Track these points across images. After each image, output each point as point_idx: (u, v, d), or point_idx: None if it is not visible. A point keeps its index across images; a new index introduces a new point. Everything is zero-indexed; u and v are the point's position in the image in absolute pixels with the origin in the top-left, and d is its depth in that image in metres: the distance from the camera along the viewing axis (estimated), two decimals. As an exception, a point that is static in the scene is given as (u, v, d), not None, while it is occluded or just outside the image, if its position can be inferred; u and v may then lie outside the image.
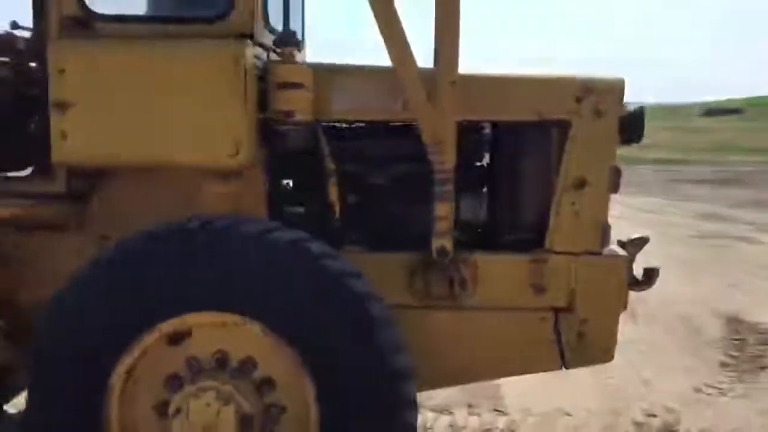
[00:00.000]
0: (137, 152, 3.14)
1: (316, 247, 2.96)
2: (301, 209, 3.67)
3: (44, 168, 3.34)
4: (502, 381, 5.38)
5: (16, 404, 4.60)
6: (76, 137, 3.13)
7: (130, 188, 3.46)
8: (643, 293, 3.60)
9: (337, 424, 2.90)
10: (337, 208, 3.53)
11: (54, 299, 2.95)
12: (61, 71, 3.10)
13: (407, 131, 3.49)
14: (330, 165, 3.49)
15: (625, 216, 12.07)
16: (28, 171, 3.66)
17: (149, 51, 3.11)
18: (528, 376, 4.78)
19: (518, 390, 5.31)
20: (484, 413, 5.07)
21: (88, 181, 3.45)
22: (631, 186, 17.06)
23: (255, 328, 2.92)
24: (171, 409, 2.93)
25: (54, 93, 3.12)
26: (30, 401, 2.99)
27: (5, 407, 4.54)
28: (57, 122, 3.13)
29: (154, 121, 3.11)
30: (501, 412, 5.12)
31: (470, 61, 3.38)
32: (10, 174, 3.56)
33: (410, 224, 3.56)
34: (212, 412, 2.88)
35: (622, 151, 3.48)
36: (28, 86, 3.64)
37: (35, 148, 3.41)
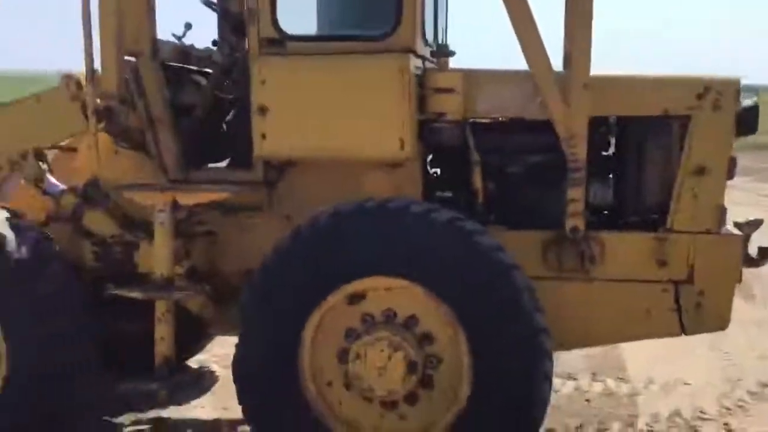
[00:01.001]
0: (323, 148, 3.85)
1: (470, 224, 3.58)
2: (449, 194, 4.29)
3: (245, 161, 4.09)
4: (625, 353, 5.88)
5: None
6: (274, 136, 3.86)
7: (310, 177, 4.17)
8: (762, 276, 3.99)
9: (486, 373, 3.51)
10: (480, 194, 4.12)
11: (260, 266, 3.69)
12: (263, 82, 3.84)
13: (541, 127, 4.04)
14: (475, 157, 4.09)
15: (746, 201, 12.09)
16: (224, 162, 4.45)
17: (332, 65, 3.80)
18: (650, 349, 5.29)
19: (640, 361, 5.77)
20: (608, 380, 5.55)
21: (278, 171, 4.19)
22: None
23: (419, 291, 3.57)
24: (351, 355, 3.62)
25: (256, 100, 3.86)
26: (240, 350, 3.74)
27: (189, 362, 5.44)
28: (258, 124, 3.87)
29: (336, 122, 3.81)
30: (623, 380, 5.59)
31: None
32: (212, 165, 4.36)
33: (543, 206, 4.12)
34: (385, 356, 3.55)
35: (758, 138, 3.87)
36: (226, 93, 4.43)
37: (236, 145, 4.19)
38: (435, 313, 3.61)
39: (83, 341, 3.93)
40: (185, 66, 4.58)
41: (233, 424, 4.95)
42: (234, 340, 3.76)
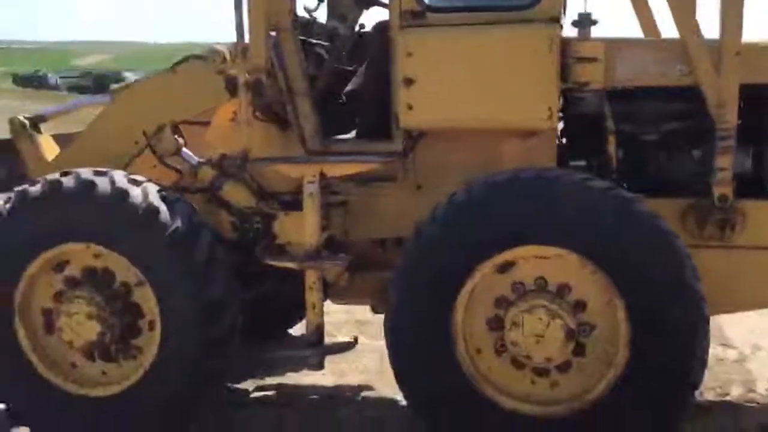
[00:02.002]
0: (470, 118, 3.90)
1: (626, 192, 3.61)
2: (581, 163, 4.31)
3: (371, 131, 4.14)
4: (731, 323, 5.89)
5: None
6: (420, 107, 3.91)
7: (442, 146, 4.21)
8: None
9: (646, 339, 3.56)
10: (614, 161, 4.14)
11: (415, 234, 3.75)
12: (409, 54, 3.87)
13: (678, 94, 4.04)
14: (610, 125, 4.10)
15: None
16: (351, 133, 4.49)
17: (480, 36, 3.83)
18: (756, 319, 5.32)
19: (742, 330, 5.80)
20: (716, 346, 5.58)
21: (412, 142, 4.23)
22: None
23: (573, 258, 3.62)
24: (507, 323, 3.68)
25: (402, 72, 3.90)
26: (393, 316, 3.82)
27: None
28: (404, 96, 3.92)
29: (483, 93, 3.84)
30: (729, 347, 5.62)
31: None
32: (342, 137, 4.40)
33: (677, 174, 4.14)
34: (543, 325, 3.61)
35: None
36: (347, 65, 4.46)
37: (363, 116, 4.24)
38: (589, 281, 3.65)
39: (234, 308, 4.02)
40: (307, 39, 4.62)
41: (354, 389, 5.09)
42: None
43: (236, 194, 4.40)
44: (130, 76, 38.78)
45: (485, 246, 3.68)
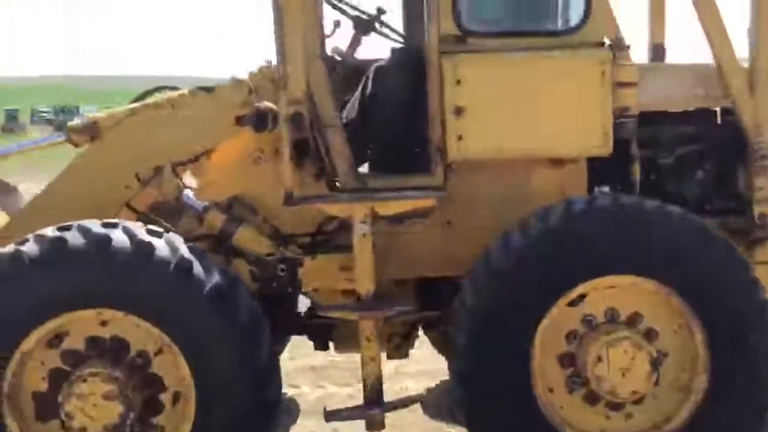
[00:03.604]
0: (523, 147, 3.72)
1: (699, 218, 3.59)
2: (605, 188, 4.26)
3: (425, 165, 3.85)
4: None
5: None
6: (471, 138, 3.67)
7: (472, 179, 3.99)
8: None
9: (727, 364, 3.53)
10: (637, 186, 4.13)
11: (485, 265, 3.51)
12: (458, 82, 3.63)
13: (702, 116, 4.11)
14: (635, 149, 4.09)
15: None
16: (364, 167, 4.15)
17: (531, 62, 3.67)
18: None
19: None
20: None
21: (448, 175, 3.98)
22: None
23: (649, 286, 3.53)
24: (591, 358, 3.51)
25: (451, 100, 3.65)
26: (464, 360, 3.53)
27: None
28: (454, 125, 3.66)
29: (536, 120, 3.69)
30: None
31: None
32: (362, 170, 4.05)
33: (703, 195, 4.19)
34: (629, 357, 3.48)
35: None
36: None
37: (396, 148, 3.95)
38: (659, 307, 3.59)
39: (275, 363, 3.57)
40: None
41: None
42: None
43: (253, 240, 3.92)
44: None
45: (565, 279, 3.52)
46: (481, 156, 3.75)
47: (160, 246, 3.39)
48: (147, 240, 3.39)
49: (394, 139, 4.08)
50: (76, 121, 4.24)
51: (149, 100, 4.15)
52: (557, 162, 3.93)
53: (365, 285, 3.62)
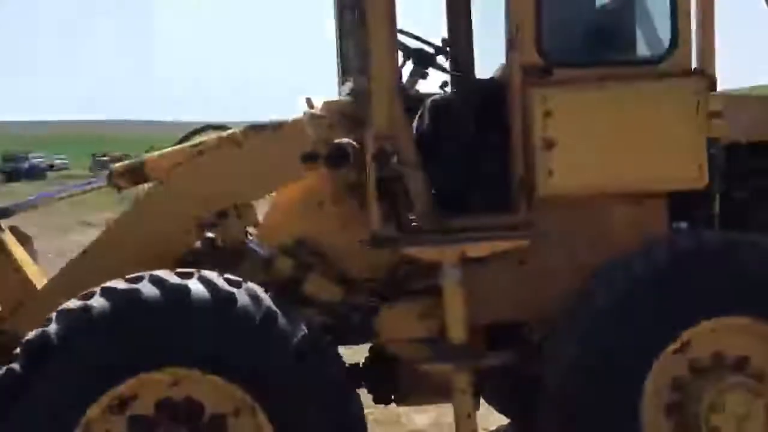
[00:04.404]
0: (616, 181, 3.52)
1: None
2: (683, 224, 4.07)
3: (499, 203, 3.63)
4: None
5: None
6: (562, 173, 3.46)
7: (549, 216, 3.76)
8: None
9: None
10: (716, 221, 3.96)
11: (588, 307, 3.28)
12: (548, 114, 3.43)
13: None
14: (717, 182, 3.91)
15: None
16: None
17: (623, 93, 3.50)
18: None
19: None
20: None
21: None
22: None
23: (759, 328, 3.33)
24: (704, 406, 3.28)
25: (540, 133, 3.44)
26: (571, 415, 3.27)
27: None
28: (544, 160, 3.45)
29: (629, 153, 3.50)
30: None
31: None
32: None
33: None
34: (746, 405, 3.26)
35: None
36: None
37: (493, 185, 3.71)
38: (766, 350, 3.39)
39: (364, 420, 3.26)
40: None
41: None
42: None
43: (323, 287, 3.63)
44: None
45: (675, 323, 3.30)
46: (573, 192, 3.53)
47: (242, 297, 3.08)
48: (228, 290, 3.08)
49: (460, 177, 3.85)
50: (118, 164, 3.95)
51: (197, 140, 3.88)
52: (638, 197, 3.74)
53: (458, 334, 3.34)
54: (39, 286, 3.86)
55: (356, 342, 3.72)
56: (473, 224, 3.59)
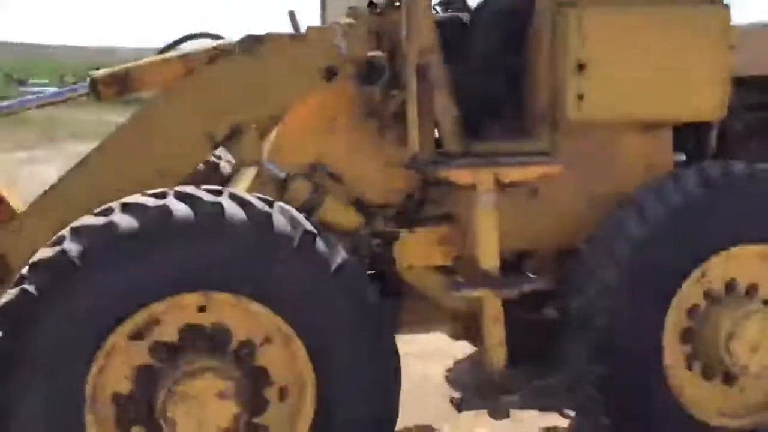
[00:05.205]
0: (644, 109, 3.50)
1: None
2: (680, 156, 4.11)
3: (524, 129, 3.55)
4: None
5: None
6: (593, 97, 3.40)
7: (563, 145, 3.71)
8: None
9: None
10: (710, 154, 4.03)
11: (620, 234, 3.29)
12: (584, 36, 3.35)
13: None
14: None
15: None
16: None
17: (660, 16, 3.45)
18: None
19: None
20: None
21: None
22: None
23: None
24: (722, 333, 3.36)
25: (574, 56, 3.36)
26: (602, 335, 3.29)
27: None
28: (575, 83, 3.38)
29: (659, 81, 3.48)
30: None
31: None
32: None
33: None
34: (760, 332, 3.37)
35: None
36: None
37: (510, 110, 3.62)
38: None
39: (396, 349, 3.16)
40: None
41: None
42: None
43: (341, 212, 3.47)
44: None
45: (702, 249, 3.35)
46: (602, 118, 3.49)
47: (278, 218, 2.88)
48: (264, 210, 2.87)
49: (475, 101, 3.73)
50: (101, 71, 3.60)
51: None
52: (647, 127, 3.74)
53: (491, 261, 3.27)
54: (12, 204, 3.54)
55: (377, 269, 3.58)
56: (496, 149, 3.50)
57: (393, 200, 3.60)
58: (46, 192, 3.32)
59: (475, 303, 3.34)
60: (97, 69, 3.58)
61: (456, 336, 4.07)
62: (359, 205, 3.55)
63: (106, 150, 3.34)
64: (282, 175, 3.41)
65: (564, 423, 4.36)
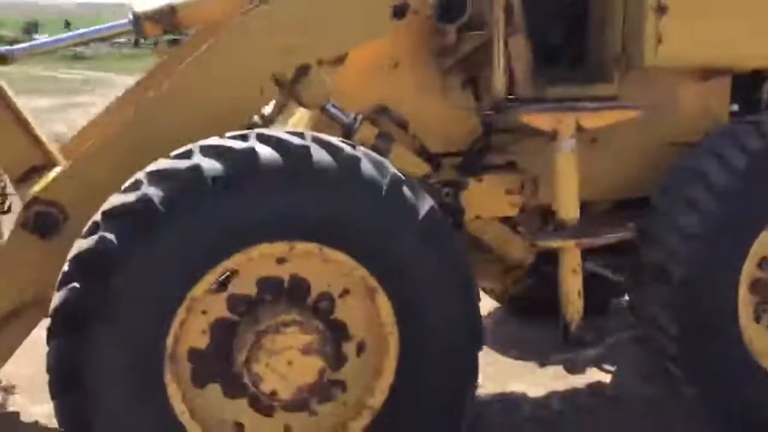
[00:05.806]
0: (724, 54, 3.40)
1: None
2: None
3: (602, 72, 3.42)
4: None
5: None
6: (673, 40, 3.29)
7: (624, 91, 3.61)
8: None
9: None
10: (764, 105, 3.97)
11: (704, 185, 3.21)
12: None
13: None
14: None
15: None
16: None
17: None
18: None
19: None
20: None
21: None
22: None
23: None
24: None
25: None
26: (679, 291, 3.21)
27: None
28: (654, 26, 3.26)
29: (739, 27, 3.37)
30: None
31: None
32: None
33: None
34: None
35: None
36: None
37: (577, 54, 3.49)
38: None
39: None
40: None
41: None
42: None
43: (408, 159, 3.32)
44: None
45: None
46: (680, 62, 3.39)
47: (366, 164, 2.72)
48: (352, 154, 2.70)
49: (540, 46, 3.59)
50: (144, 9, 3.37)
51: None
52: (706, 75, 3.65)
53: (570, 211, 3.16)
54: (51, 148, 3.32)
55: None
56: (569, 94, 3.37)
57: (456, 148, 3.47)
58: (97, 143, 3.09)
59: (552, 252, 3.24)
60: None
61: (503, 291, 3.99)
62: (424, 152, 3.40)
63: (161, 95, 3.12)
64: (348, 119, 3.23)
65: (606, 378, 4.33)
